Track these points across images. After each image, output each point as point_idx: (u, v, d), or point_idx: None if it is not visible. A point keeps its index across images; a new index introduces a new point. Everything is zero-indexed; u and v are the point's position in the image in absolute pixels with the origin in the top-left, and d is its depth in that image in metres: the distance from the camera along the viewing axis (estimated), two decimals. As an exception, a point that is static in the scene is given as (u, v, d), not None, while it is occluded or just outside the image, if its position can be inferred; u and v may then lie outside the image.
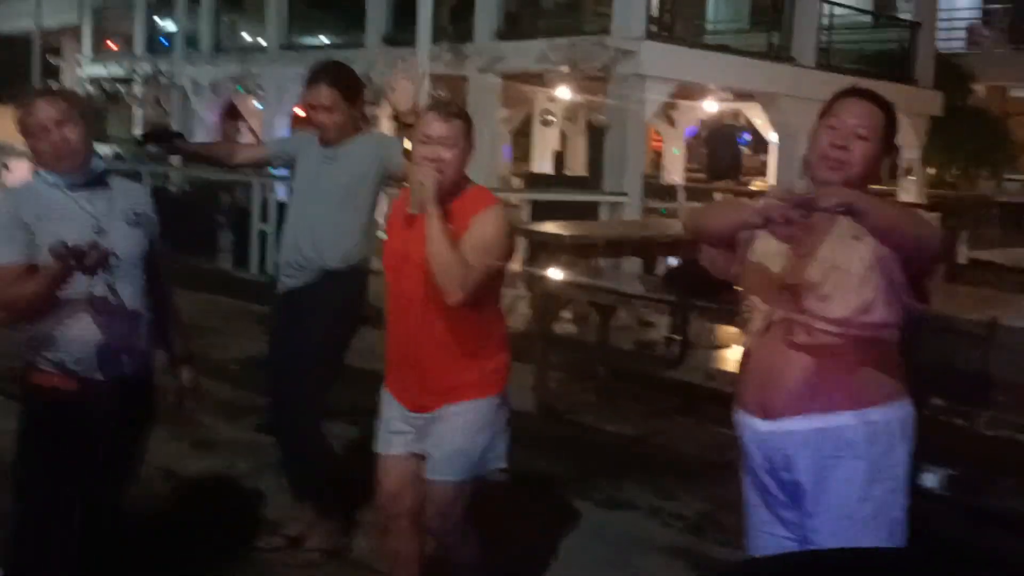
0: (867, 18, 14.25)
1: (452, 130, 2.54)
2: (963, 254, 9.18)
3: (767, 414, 2.12)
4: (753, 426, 2.16)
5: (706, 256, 2.34)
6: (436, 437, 2.64)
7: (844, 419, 2.08)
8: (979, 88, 16.23)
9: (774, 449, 2.13)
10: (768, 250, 2.17)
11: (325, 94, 3.31)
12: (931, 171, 14.77)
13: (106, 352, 2.46)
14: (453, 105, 2.68)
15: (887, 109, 2.18)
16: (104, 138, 18.61)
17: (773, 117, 12.30)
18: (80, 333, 2.43)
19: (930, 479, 4.08)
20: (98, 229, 2.44)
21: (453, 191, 2.58)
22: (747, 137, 12.27)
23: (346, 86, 3.36)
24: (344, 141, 3.37)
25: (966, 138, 12.80)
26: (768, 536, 2.24)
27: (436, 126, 2.54)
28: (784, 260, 2.14)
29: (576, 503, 4.11)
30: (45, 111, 2.41)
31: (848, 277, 2.06)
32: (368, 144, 3.40)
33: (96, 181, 2.52)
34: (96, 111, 20.11)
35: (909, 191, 13.91)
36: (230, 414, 4.99)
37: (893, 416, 2.11)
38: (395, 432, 2.71)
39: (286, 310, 3.46)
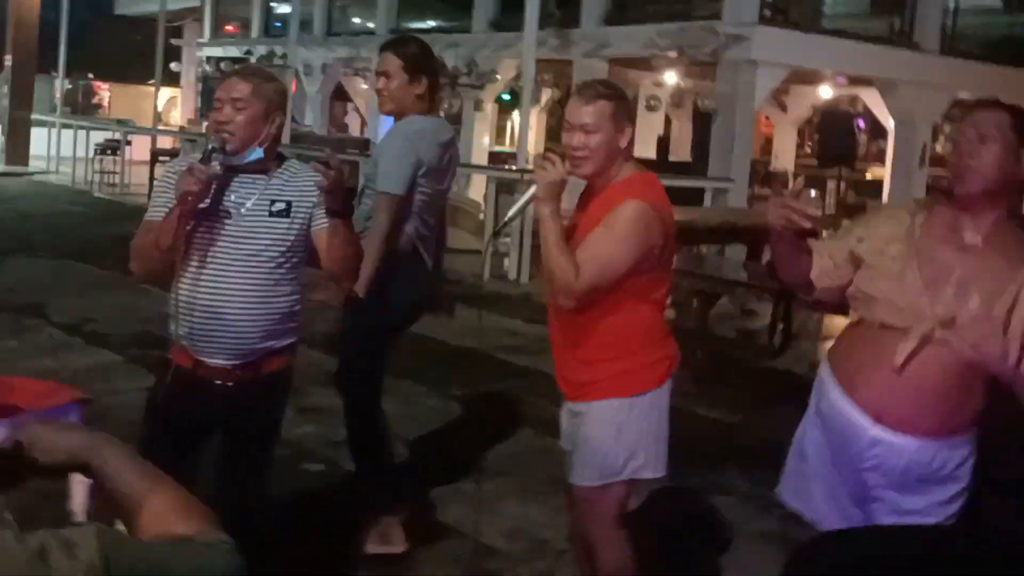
0: (996, 2, 13.54)
1: (595, 114, 2.35)
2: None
3: (882, 420, 2.08)
4: (860, 423, 2.11)
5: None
6: (573, 438, 2.56)
7: (947, 445, 2.08)
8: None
9: (864, 447, 2.11)
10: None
11: (386, 61, 3.29)
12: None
13: (208, 334, 2.46)
14: (599, 85, 2.47)
15: (1016, 112, 2.08)
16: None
17: (891, 104, 11.85)
18: (186, 310, 2.47)
19: None
20: (227, 214, 2.44)
21: (604, 178, 2.41)
22: (862, 123, 11.86)
23: (411, 59, 3.28)
24: (403, 116, 3.32)
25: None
26: (832, 501, 2.24)
27: (577, 111, 2.37)
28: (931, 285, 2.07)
29: (672, 487, 4.09)
30: (228, 87, 2.47)
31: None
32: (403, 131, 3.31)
33: (254, 168, 2.49)
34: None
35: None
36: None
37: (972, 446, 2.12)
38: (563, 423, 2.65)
39: None
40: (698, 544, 3.62)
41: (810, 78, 12.72)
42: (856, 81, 12.77)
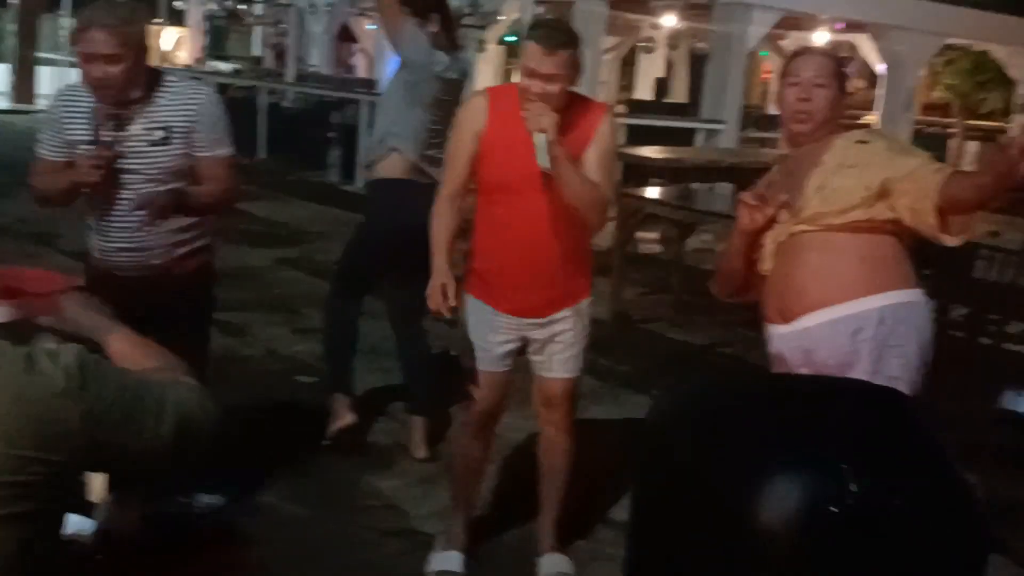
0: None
1: (559, 64, 2.39)
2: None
3: (785, 319, 2.33)
4: (776, 332, 2.37)
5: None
6: (560, 338, 2.71)
7: (848, 308, 2.26)
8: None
9: (794, 348, 2.33)
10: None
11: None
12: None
13: (117, 251, 2.66)
14: (559, 32, 2.45)
15: (835, 58, 2.46)
16: (224, 56, 19.39)
17: (883, 48, 11.98)
18: (99, 232, 2.69)
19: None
20: (114, 148, 2.52)
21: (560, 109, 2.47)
22: (852, 68, 12.05)
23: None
24: None
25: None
26: None
27: (542, 61, 2.38)
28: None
29: (636, 397, 4.42)
30: (95, 43, 2.41)
31: (839, 192, 2.27)
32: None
33: (135, 100, 2.53)
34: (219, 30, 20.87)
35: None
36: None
37: (899, 300, 2.27)
38: (501, 348, 2.72)
39: None
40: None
41: (806, 24, 12.81)
42: (850, 26, 12.88)
